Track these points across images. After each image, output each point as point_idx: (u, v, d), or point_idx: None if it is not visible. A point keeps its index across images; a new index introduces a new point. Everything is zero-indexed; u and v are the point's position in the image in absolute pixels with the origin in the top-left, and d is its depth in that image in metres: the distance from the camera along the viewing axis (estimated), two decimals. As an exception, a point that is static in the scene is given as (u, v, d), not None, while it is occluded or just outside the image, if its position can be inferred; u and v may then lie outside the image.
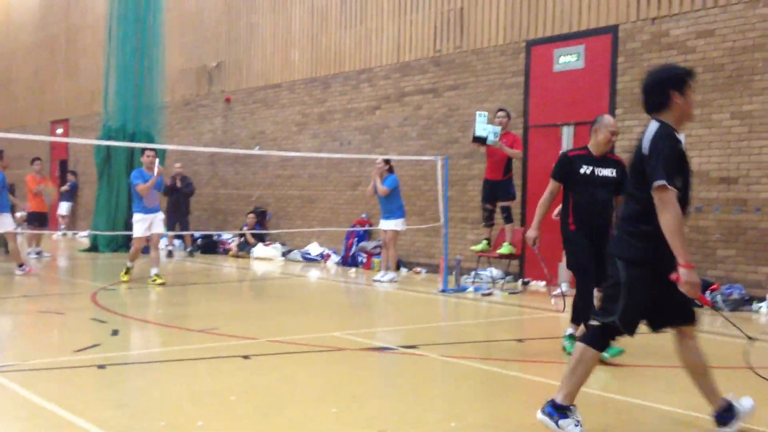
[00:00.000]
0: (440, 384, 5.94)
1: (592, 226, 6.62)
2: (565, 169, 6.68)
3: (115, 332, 7.62)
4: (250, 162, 18.44)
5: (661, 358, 7.03)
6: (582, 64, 11.96)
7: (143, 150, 12.30)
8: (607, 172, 6.63)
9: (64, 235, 22.59)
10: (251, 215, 17.24)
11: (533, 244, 7.12)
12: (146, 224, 11.70)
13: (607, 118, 6.86)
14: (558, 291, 10.97)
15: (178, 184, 16.83)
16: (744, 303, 9.77)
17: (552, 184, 6.78)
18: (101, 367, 6.03)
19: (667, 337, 7.59)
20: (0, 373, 5.66)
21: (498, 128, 11.01)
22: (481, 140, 10.94)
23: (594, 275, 6.48)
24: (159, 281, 11.50)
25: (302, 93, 17.12)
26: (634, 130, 11.27)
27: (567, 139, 12.01)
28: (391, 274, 12.47)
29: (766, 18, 10.04)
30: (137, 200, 11.73)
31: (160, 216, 11.94)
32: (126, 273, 11.85)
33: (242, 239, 17.06)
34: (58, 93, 26.07)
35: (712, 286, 10.04)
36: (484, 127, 10.90)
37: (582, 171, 6.59)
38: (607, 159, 6.70)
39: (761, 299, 9.74)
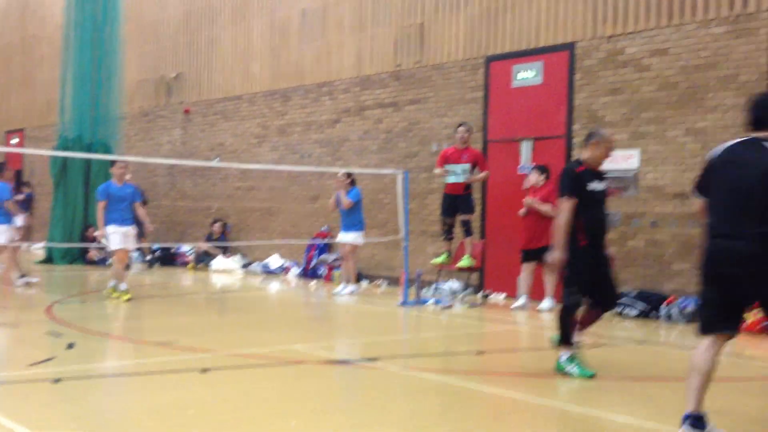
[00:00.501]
0: (401, 397, 5.95)
1: (600, 242, 6.62)
2: (576, 184, 6.50)
3: (70, 345, 7.48)
4: (209, 174, 18.31)
5: (616, 370, 7.14)
6: (540, 80, 12.14)
7: (113, 162, 11.90)
8: (603, 185, 6.69)
9: (19, 247, 22.11)
10: (217, 223, 17.12)
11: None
12: (120, 234, 11.15)
13: (607, 133, 6.90)
14: (518, 304, 11.10)
15: None
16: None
17: (568, 202, 6.40)
18: (57, 381, 5.92)
19: (618, 352, 7.71)
20: (-49, 389, 5.54)
21: (466, 165, 11.20)
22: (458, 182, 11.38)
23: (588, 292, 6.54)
24: (116, 295, 11.11)
25: (262, 105, 17.08)
26: (591, 146, 11.45)
27: (526, 154, 12.17)
28: (351, 287, 12.46)
29: (718, 38, 10.31)
30: (110, 212, 11.12)
31: (132, 230, 11.41)
32: (125, 293, 11.16)
33: (202, 251, 16.91)
34: (14, 103, 25.63)
35: (668, 299, 10.22)
36: (454, 174, 11.31)
37: (590, 187, 6.53)
38: (599, 172, 6.73)
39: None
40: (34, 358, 6.70)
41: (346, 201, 12.41)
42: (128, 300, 10.95)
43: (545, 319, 10.29)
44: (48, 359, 6.70)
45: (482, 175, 11.54)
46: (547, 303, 10.81)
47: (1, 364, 6.85)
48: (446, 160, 11.48)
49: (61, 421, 4.85)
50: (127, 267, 16.33)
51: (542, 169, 11.22)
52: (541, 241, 10.93)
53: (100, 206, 11.16)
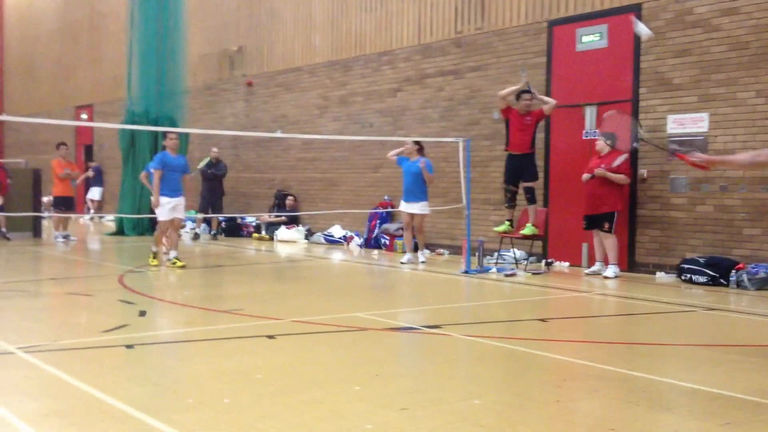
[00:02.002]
0: (463, 363, 5.97)
1: None
2: None
3: (142, 313, 7.73)
4: (272, 146, 18.52)
5: (682, 336, 7.03)
6: (605, 44, 11.87)
7: (165, 134, 12.29)
8: None
9: (92, 219, 22.87)
10: (290, 197, 17.38)
11: None
12: (170, 207, 11.67)
13: None
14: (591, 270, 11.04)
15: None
16: (769, 282, 9.71)
17: None
18: (129, 346, 6.13)
19: (685, 318, 7.58)
20: (30, 353, 5.78)
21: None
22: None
23: None
24: (179, 264, 11.54)
25: (323, 76, 17.14)
26: (658, 110, 11.19)
27: (590, 120, 11.95)
28: (415, 256, 12.52)
29: (792, -6, 9.90)
30: (162, 183, 11.59)
31: (183, 201, 11.86)
32: (154, 257, 11.89)
33: (269, 222, 17.18)
34: (82, 79, 26.28)
35: (738, 265, 9.97)
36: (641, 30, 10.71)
37: None
38: None
39: (787, 278, 9.66)
40: (107, 325, 6.95)
41: (429, 176, 12.39)
42: (182, 267, 11.45)
43: (610, 286, 10.17)
44: (120, 326, 6.94)
45: (547, 98, 11.49)
46: (611, 270, 10.69)
47: (76, 330, 7.10)
48: (510, 114, 11.57)
49: (133, 384, 5.03)
50: (196, 237, 16.86)
51: (608, 135, 11.02)
52: (602, 208, 10.80)
53: (157, 175, 11.55)
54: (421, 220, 12.70)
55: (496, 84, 13.34)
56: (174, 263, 11.57)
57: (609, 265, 10.79)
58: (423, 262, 12.47)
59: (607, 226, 10.82)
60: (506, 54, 13.28)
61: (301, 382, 5.08)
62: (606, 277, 10.62)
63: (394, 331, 7.04)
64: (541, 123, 12.01)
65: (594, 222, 10.97)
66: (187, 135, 18.23)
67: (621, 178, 10.80)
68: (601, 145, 10.99)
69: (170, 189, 11.64)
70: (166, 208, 11.66)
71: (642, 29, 10.28)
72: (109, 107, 23.89)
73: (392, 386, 5.08)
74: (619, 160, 10.77)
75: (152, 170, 11.76)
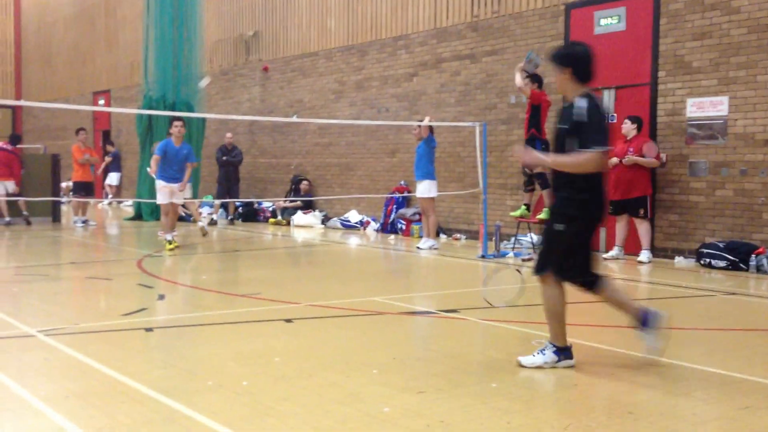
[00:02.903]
0: (480, 346, 5.98)
1: None
2: None
3: (161, 297, 7.80)
4: (288, 131, 18.53)
5: (701, 321, 7.00)
6: (623, 27, 11.76)
7: (172, 120, 12.52)
8: None
9: (110, 204, 23.01)
10: (305, 182, 17.42)
11: None
12: (167, 191, 12.12)
13: None
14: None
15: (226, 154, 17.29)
16: None
17: None
18: (149, 330, 6.18)
19: (705, 302, 7.55)
20: (51, 336, 5.84)
21: (536, 58, 11.14)
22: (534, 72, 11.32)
23: None
24: (174, 245, 11.81)
25: (339, 61, 17.10)
26: (677, 93, 11.09)
27: (608, 103, 11.86)
28: (431, 242, 12.50)
29: (814, -25, 9.76)
30: (162, 169, 12.08)
31: (179, 187, 12.23)
32: (168, 242, 11.97)
33: (284, 206, 17.24)
34: (99, 65, 26.37)
35: (758, 250, 9.90)
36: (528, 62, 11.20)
37: None
38: None
39: (807, 263, 9.58)
40: (127, 308, 7.01)
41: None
42: (173, 249, 11.73)
43: (643, 271, 10.12)
44: (140, 310, 6.99)
45: (519, 81, 11.30)
46: (645, 255, 10.66)
47: (96, 314, 7.17)
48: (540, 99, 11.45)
49: (153, 367, 5.07)
50: (213, 222, 16.96)
51: (633, 119, 10.92)
52: (633, 193, 10.73)
53: (155, 159, 12.13)
54: (427, 203, 12.57)
55: (512, 68, 13.23)
56: (171, 244, 11.84)
57: (643, 251, 10.75)
58: (419, 248, 12.31)
59: (642, 212, 10.77)
60: (523, 38, 13.20)
61: (318, 365, 5.11)
62: (640, 262, 10.58)
63: (411, 315, 7.06)
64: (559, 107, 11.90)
65: (623, 207, 10.89)
66: (203, 120, 18.29)
67: (651, 161, 10.72)
68: (627, 128, 10.90)
69: (168, 175, 12.11)
70: (164, 192, 12.14)
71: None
72: (126, 93, 23.99)
73: (409, 370, 5.09)
74: (648, 147, 10.68)
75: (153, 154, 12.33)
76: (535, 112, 11.29)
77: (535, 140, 11.33)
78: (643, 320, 5.16)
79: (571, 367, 5.10)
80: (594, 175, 4.99)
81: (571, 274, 5.20)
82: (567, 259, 5.15)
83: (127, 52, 24.19)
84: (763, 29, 10.19)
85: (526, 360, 5.15)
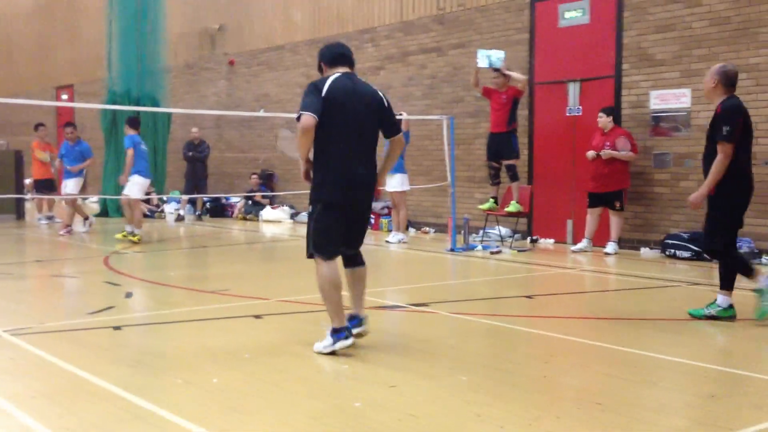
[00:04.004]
0: (450, 340, 6.02)
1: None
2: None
3: (128, 294, 7.72)
4: (255, 125, 18.43)
5: (667, 311, 7.10)
6: (587, 20, 11.87)
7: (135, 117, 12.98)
8: None
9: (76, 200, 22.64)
10: (254, 176, 17.35)
11: None
12: (143, 187, 12.59)
13: None
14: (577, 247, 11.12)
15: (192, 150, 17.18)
16: (753, 256, 9.80)
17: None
18: (116, 328, 6.13)
19: (670, 293, 7.66)
20: (17, 336, 5.76)
21: (501, 53, 11.19)
22: (493, 68, 11.41)
23: None
24: (136, 238, 12.20)
25: (305, 54, 17.03)
26: (641, 86, 11.22)
27: (573, 96, 11.97)
28: (400, 235, 12.52)
29: (773, -31, 9.92)
30: (137, 164, 12.34)
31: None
32: (133, 234, 12.34)
33: (248, 202, 17.15)
34: (61, 59, 25.97)
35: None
36: (486, 57, 11.32)
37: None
38: None
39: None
40: (94, 306, 6.94)
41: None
42: (137, 242, 12.17)
43: (610, 262, 10.24)
44: (107, 308, 6.93)
45: (521, 76, 11.42)
46: (612, 246, 10.78)
47: (63, 312, 7.08)
48: (489, 94, 11.57)
49: (122, 365, 5.03)
50: (180, 218, 16.84)
51: (608, 111, 11.00)
52: (610, 186, 10.83)
53: (131, 154, 12.27)
54: (398, 197, 12.61)
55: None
56: (127, 236, 12.39)
57: (610, 242, 10.87)
58: (388, 241, 12.36)
59: (618, 204, 10.88)
60: (489, 31, 13.25)
61: (288, 361, 5.11)
62: (607, 254, 10.69)
63: (381, 310, 7.07)
64: (524, 100, 12.00)
65: (600, 200, 10.99)
66: (169, 115, 18.11)
67: (629, 155, 10.81)
68: (603, 121, 10.95)
69: (144, 169, 12.47)
70: (142, 187, 12.59)
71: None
72: (90, 87, 23.65)
73: (380, 364, 5.11)
74: (622, 142, 10.77)
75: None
76: (516, 105, 11.42)
77: (515, 134, 11.47)
78: (338, 331, 5.23)
79: (348, 346, 5.17)
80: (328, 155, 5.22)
81: (324, 249, 5.27)
82: (318, 236, 5.27)
83: (90, 46, 23.84)
84: (724, 22, 10.35)
85: (315, 347, 5.29)
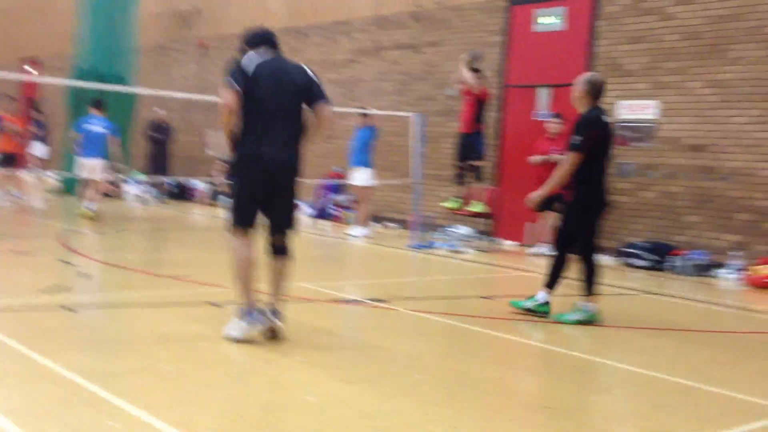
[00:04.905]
0: (407, 337, 6.02)
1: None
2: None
3: (85, 275, 7.60)
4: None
5: (622, 319, 7.19)
6: (562, 26, 11.95)
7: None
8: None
9: (39, 178, 22.24)
10: (218, 161, 17.21)
11: None
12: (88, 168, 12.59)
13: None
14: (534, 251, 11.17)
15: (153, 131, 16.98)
16: (707, 268, 9.98)
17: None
18: (69, 309, 6.02)
19: (625, 301, 7.76)
20: (-33, 312, 5.64)
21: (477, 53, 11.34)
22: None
23: None
24: (86, 214, 12.20)
25: (280, 42, 16.87)
26: (609, 95, 11.30)
27: (543, 101, 12.05)
28: (362, 229, 12.51)
29: (745, -13, 10.08)
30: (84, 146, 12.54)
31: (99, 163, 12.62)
32: (89, 211, 12.30)
33: (215, 187, 17.00)
34: (29, 31, 25.47)
35: (674, 251, 10.23)
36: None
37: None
38: None
39: (724, 265, 9.93)
40: (45, 284, 6.81)
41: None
42: (90, 219, 12.13)
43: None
44: (60, 287, 6.81)
45: (468, 75, 11.40)
46: (548, 249, 10.78)
47: (14, 289, 6.94)
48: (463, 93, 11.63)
49: (73, 348, 4.95)
50: (142, 200, 16.63)
51: (558, 116, 11.11)
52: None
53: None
54: (363, 191, 12.63)
55: (452, 60, 13.32)
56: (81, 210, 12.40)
57: (550, 244, 10.88)
58: (352, 235, 12.39)
59: (556, 206, 10.91)
60: (464, 31, 13.28)
61: (243, 351, 5.07)
62: (539, 255, 10.70)
63: (340, 304, 7.06)
64: (494, 102, 12.05)
65: (545, 204, 11.04)
66: (134, 95, 17.85)
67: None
68: (556, 127, 11.06)
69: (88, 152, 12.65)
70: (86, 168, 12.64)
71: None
72: (57, 62, 23.22)
73: (335, 358, 5.10)
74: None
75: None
76: (481, 107, 11.42)
77: (480, 134, 11.48)
78: (248, 312, 5.21)
79: (259, 331, 5.15)
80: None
81: (236, 222, 5.30)
82: (233, 211, 5.31)
83: (59, 20, 23.41)
84: (695, 36, 10.49)
85: (225, 331, 5.24)
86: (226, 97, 5.08)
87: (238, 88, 5.08)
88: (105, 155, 12.57)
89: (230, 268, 5.29)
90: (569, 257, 6.70)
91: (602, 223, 6.79)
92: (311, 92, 5.35)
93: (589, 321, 6.49)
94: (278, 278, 5.44)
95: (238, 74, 5.14)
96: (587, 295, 6.57)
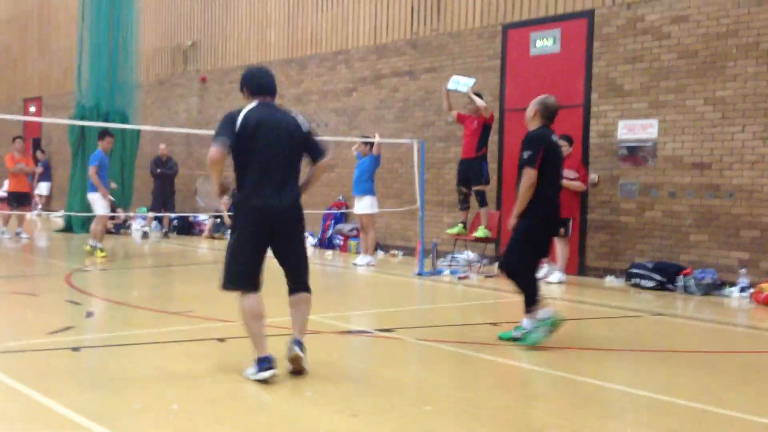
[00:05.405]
0: (415, 367, 5.99)
1: None
2: None
3: (89, 314, 7.59)
4: (225, 143, 18.30)
5: (631, 342, 7.14)
6: (558, 49, 12.01)
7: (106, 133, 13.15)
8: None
9: (39, 215, 22.36)
10: (225, 197, 17.22)
11: None
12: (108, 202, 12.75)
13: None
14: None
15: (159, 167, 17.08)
16: (716, 287, 9.91)
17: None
18: (75, 349, 6.00)
19: (633, 323, 7.70)
20: (-28, 356, 5.62)
21: (471, 79, 11.28)
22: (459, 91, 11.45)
23: None
24: (99, 254, 12.30)
25: (278, 74, 16.98)
26: (609, 115, 11.35)
27: (543, 123, 12.06)
28: (368, 258, 12.49)
29: (740, 4, 10.13)
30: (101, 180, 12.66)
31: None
32: (101, 251, 12.39)
33: (218, 220, 17.00)
34: (31, 70, 25.69)
35: (684, 270, 10.17)
36: (455, 83, 11.47)
37: None
38: None
39: (732, 284, 9.88)
40: (53, 326, 6.80)
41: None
42: (104, 257, 12.27)
43: (554, 291, 10.28)
44: (67, 328, 6.79)
45: (479, 101, 11.34)
46: (557, 276, 10.70)
47: (21, 331, 6.93)
48: (462, 120, 11.63)
49: (80, 389, 4.92)
50: (145, 235, 16.67)
51: (568, 139, 11.04)
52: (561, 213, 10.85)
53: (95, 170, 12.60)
54: (367, 220, 12.61)
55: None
56: (93, 251, 12.46)
57: (555, 271, 10.81)
58: (358, 264, 12.32)
59: (562, 231, 10.89)
60: (461, 56, 13.35)
61: (250, 387, 5.04)
62: (549, 282, 10.60)
63: (346, 335, 7.02)
64: (495, 126, 12.06)
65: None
66: (138, 131, 17.95)
67: (577, 185, 10.87)
68: (564, 149, 10.99)
69: (106, 186, 12.74)
70: (106, 202, 12.73)
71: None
72: (59, 100, 23.41)
73: (344, 391, 5.06)
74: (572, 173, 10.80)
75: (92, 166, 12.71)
76: (486, 131, 11.41)
77: (484, 159, 11.46)
78: (259, 361, 5.17)
79: (269, 377, 5.08)
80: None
81: (235, 281, 5.36)
82: (234, 266, 5.36)
83: (61, 58, 23.63)
84: (692, 55, 10.53)
85: (245, 372, 5.24)
86: (211, 153, 5.17)
87: (227, 142, 5.17)
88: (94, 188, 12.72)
89: (241, 321, 5.30)
90: (534, 279, 6.65)
91: (548, 242, 6.84)
92: (308, 146, 5.47)
93: (554, 326, 6.42)
94: (299, 315, 5.49)
95: (230, 129, 5.23)
96: (529, 310, 6.49)
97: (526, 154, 6.49)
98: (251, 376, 5.16)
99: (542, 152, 6.49)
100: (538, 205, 6.52)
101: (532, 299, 6.51)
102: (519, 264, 6.60)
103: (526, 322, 6.55)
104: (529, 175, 6.47)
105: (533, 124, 6.72)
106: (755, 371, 6.07)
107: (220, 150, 5.17)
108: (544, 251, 6.87)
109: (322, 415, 4.48)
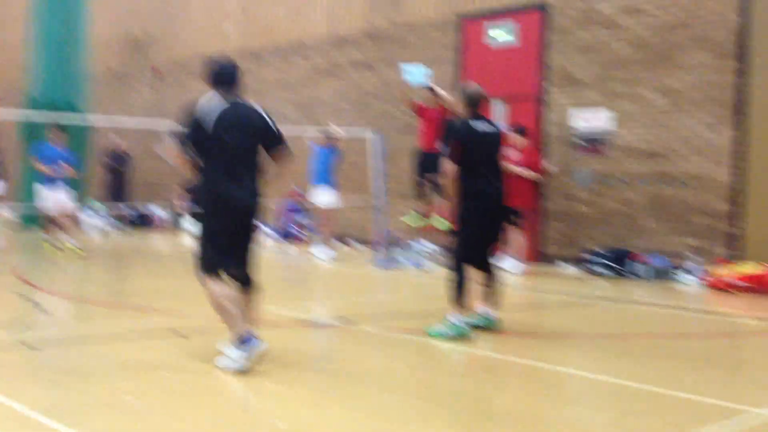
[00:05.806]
0: (376, 357, 6.01)
1: None
2: None
3: (43, 310, 7.46)
4: (181, 135, 18.10)
5: (587, 327, 7.26)
6: (514, 40, 12.10)
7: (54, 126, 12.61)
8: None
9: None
10: (177, 187, 17.09)
11: None
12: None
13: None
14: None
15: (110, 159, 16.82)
16: (668, 273, 10.12)
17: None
18: (29, 346, 5.90)
19: (588, 309, 7.82)
20: (-77, 354, 5.50)
21: (423, 69, 11.09)
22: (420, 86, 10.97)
23: None
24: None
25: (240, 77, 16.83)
26: (564, 106, 11.48)
27: (498, 114, 12.15)
28: (326, 249, 12.47)
29: (690, -4, 10.31)
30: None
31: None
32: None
33: (177, 215, 16.85)
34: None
35: (638, 256, 10.37)
36: (410, 74, 10.85)
37: None
38: None
39: (684, 269, 10.09)
40: (4, 321, 6.66)
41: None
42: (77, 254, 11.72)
43: (509, 278, 10.39)
44: (20, 323, 6.67)
45: (449, 97, 11.24)
46: (509, 263, 10.77)
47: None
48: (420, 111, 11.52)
49: (35, 386, 4.85)
50: (102, 230, 16.42)
51: (520, 130, 11.15)
52: (513, 201, 10.94)
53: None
54: (324, 211, 12.60)
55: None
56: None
57: (508, 257, 10.91)
58: (316, 255, 12.31)
59: (514, 219, 10.98)
60: (418, 48, 13.37)
61: (211, 381, 5.01)
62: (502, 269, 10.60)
63: (307, 326, 7.01)
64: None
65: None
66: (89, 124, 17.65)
67: (527, 173, 10.96)
68: (521, 141, 11.03)
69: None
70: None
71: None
72: (8, 92, 22.87)
73: (305, 383, 5.06)
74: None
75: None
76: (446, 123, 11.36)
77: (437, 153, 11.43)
78: (245, 339, 5.11)
79: (263, 351, 5.10)
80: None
81: (208, 267, 5.32)
82: (204, 254, 5.32)
83: (10, 51, 23.08)
84: (644, 46, 10.69)
85: (221, 364, 5.15)
86: (170, 146, 5.23)
87: (184, 139, 5.21)
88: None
89: (211, 305, 5.25)
90: (463, 275, 6.45)
91: (484, 234, 6.54)
92: (269, 138, 5.43)
93: (461, 336, 6.26)
94: (248, 308, 5.44)
95: (188, 121, 5.25)
96: (458, 308, 6.32)
97: (442, 147, 6.48)
98: (235, 363, 5.04)
99: (459, 144, 6.33)
100: (468, 198, 6.36)
101: (456, 296, 6.33)
102: (451, 258, 6.48)
103: (455, 317, 6.34)
104: (445, 167, 6.37)
105: (463, 114, 6.62)
106: (708, 354, 6.22)
107: (179, 147, 5.21)
108: (488, 243, 6.62)
109: (283, 406, 4.48)
